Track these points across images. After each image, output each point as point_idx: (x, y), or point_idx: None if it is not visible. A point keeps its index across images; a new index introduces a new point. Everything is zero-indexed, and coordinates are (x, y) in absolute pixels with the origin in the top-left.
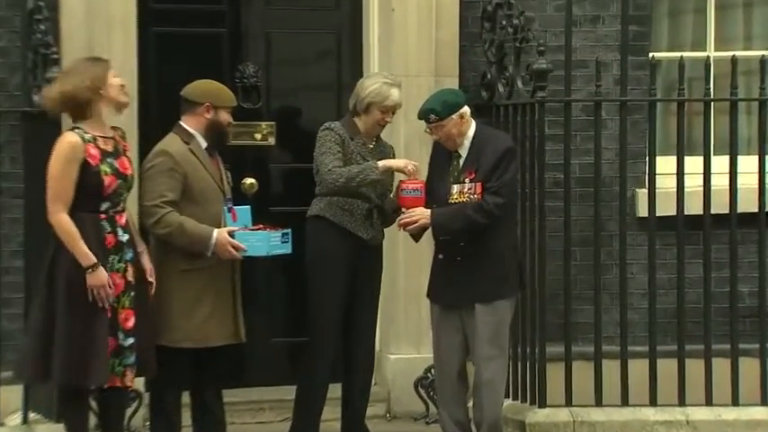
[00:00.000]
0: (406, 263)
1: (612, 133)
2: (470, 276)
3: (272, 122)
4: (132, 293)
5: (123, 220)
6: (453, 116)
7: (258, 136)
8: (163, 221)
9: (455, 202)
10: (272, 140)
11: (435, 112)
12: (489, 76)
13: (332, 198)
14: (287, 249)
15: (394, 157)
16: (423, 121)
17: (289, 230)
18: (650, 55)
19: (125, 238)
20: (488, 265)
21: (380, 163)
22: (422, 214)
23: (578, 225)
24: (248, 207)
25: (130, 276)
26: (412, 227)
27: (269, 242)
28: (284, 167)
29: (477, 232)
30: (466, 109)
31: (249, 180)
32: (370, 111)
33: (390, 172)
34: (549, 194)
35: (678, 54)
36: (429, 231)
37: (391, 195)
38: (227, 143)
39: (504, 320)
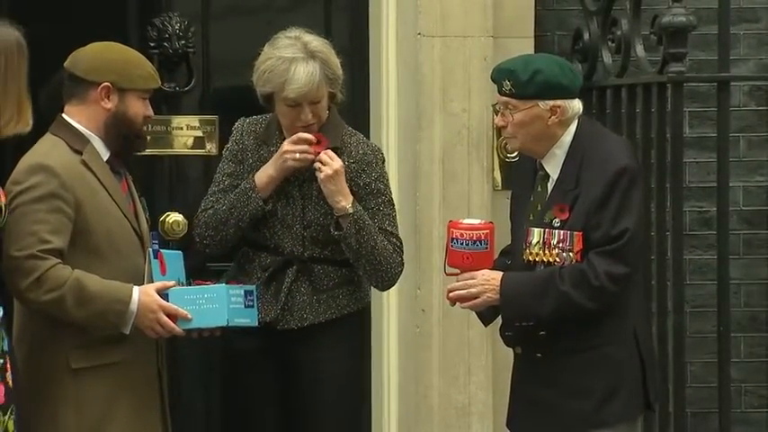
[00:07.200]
0: (444, 356)
1: None
2: (554, 387)
3: (213, 116)
4: (13, 409)
5: None
6: (540, 103)
7: (188, 141)
8: (47, 281)
9: (534, 261)
10: (211, 148)
11: (515, 77)
12: (587, 36)
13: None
14: (251, 319)
15: (363, 178)
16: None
17: (253, 288)
18: None
19: None
20: (586, 367)
21: (258, 174)
22: (485, 283)
23: (745, 295)
24: (179, 252)
25: (10, 379)
26: (470, 304)
27: (228, 303)
28: None
29: (577, 319)
30: (570, 104)
31: (173, 216)
32: (276, 103)
33: (274, 182)
34: (692, 241)
35: None
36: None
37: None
38: (142, 150)
39: None
